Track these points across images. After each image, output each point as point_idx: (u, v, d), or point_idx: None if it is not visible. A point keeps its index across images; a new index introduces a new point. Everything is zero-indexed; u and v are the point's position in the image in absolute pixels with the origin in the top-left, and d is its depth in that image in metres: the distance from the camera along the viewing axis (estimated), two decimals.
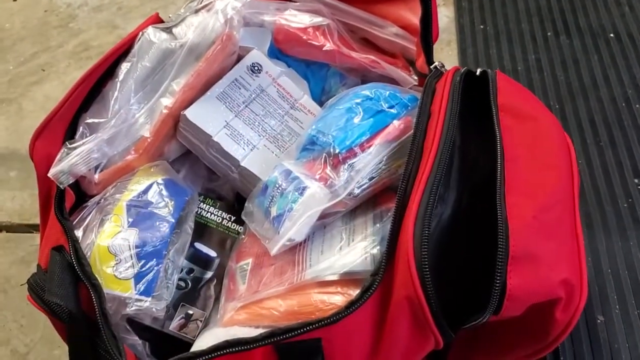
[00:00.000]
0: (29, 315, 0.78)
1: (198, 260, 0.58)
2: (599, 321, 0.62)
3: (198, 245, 0.59)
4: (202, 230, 0.61)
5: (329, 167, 0.53)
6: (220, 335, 0.50)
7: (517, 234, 0.43)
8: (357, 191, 0.53)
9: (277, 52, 0.71)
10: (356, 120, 0.55)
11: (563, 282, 0.43)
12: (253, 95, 0.66)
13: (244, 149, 0.63)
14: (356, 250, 0.51)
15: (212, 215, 0.63)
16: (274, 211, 0.53)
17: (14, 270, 0.83)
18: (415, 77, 0.67)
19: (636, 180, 0.74)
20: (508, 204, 0.45)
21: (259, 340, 0.46)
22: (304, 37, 0.68)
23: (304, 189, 0.52)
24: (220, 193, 0.69)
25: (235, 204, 0.67)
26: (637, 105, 0.82)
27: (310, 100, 0.69)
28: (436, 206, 0.47)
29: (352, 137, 0.54)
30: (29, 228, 0.89)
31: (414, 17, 0.67)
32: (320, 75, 0.72)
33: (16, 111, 1.06)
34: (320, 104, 0.69)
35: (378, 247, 0.50)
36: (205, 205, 0.64)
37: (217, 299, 0.57)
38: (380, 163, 0.54)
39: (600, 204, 0.72)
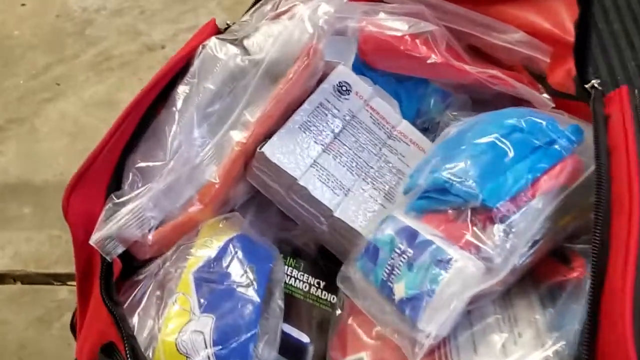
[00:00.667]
0: None
1: (288, 350, 0.44)
2: None
3: (285, 327, 0.45)
4: (288, 304, 0.46)
5: (477, 228, 0.39)
6: None
7: None
8: (519, 262, 0.39)
9: (361, 67, 0.57)
10: (507, 160, 0.41)
11: None
12: (342, 124, 0.51)
13: (336, 194, 0.48)
14: (530, 352, 0.36)
15: (297, 281, 0.49)
16: (400, 290, 0.39)
17: (31, 332, 0.69)
18: (548, 97, 0.53)
19: None
20: None
21: None
22: (402, 48, 0.53)
23: (448, 261, 0.38)
24: (297, 245, 0.54)
25: (319, 262, 0.53)
26: None
27: (410, 127, 0.54)
28: None
29: (507, 186, 0.39)
30: (49, 278, 0.74)
31: (543, 20, 0.53)
32: (416, 94, 0.58)
33: (28, 132, 0.92)
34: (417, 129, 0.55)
35: (564, 349, 0.35)
36: (286, 267, 0.49)
37: None
38: (545, 221, 0.39)
39: None
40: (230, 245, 0.44)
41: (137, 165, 0.45)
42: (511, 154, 0.41)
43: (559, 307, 0.38)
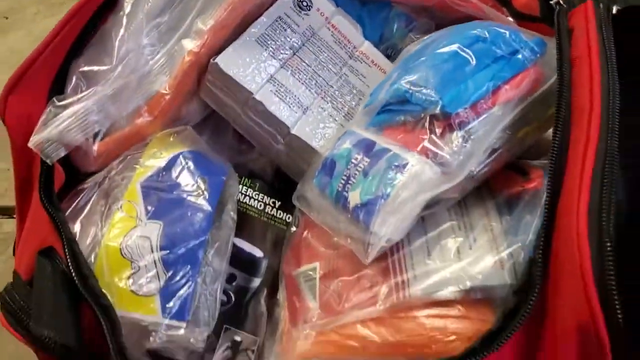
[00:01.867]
0: None
1: (240, 262, 0.43)
2: None
3: (238, 241, 0.44)
4: (239, 220, 0.45)
5: (435, 135, 0.38)
6: None
7: None
8: (476, 169, 0.38)
9: None
10: (469, 69, 0.40)
11: None
12: (302, 40, 0.50)
13: (294, 111, 0.47)
14: (484, 255, 0.36)
15: (252, 200, 0.48)
16: (355, 197, 0.38)
17: None
18: (512, 20, 0.52)
19: None
20: None
21: None
22: None
23: (404, 165, 0.37)
24: (253, 169, 0.53)
25: (275, 184, 0.52)
26: None
27: (372, 48, 0.53)
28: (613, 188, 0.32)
29: (467, 93, 0.39)
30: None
31: None
32: (379, 17, 0.56)
33: None
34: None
35: (518, 252, 0.35)
36: (241, 186, 0.48)
37: (270, 317, 0.42)
38: (504, 130, 0.39)
39: None
40: (181, 157, 0.43)
41: (81, 69, 0.42)
42: (473, 62, 0.40)
43: (515, 215, 0.38)
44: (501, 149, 0.39)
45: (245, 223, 0.46)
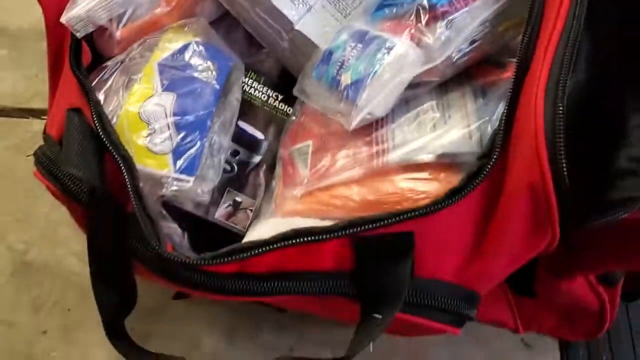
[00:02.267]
0: (25, 209, 0.68)
1: (243, 141, 0.49)
2: None
3: (242, 124, 0.49)
4: (245, 108, 0.51)
5: (421, 24, 0.42)
6: (280, 226, 0.41)
7: None
8: (456, 56, 0.43)
9: None
10: None
11: None
12: None
13: (298, 8, 0.51)
14: (455, 128, 0.41)
15: (257, 91, 0.53)
16: (347, 78, 0.43)
17: (6, 157, 0.73)
18: None
19: None
20: None
21: (335, 231, 0.37)
22: None
23: (391, 47, 0.41)
24: (260, 70, 0.58)
25: (280, 83, 0.56)
26: None
27: None
28: (570, 69, 0.37)
29: None
30: (24, 113, 0.78)
31: None
32: None
33: None
34: None
35: (486, 125, 0.40)
36: (247, 79, 0.53)
37: (267, 187, 0.48)
38: (484, 23, 0.43)
39: None
40: (193, 43, 0.47)
41: None
42: None
43: (488, 98, 0.42)
44: (481, 40, 0.44)
45: (249, 110, 0.51)
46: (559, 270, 0.46)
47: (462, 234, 0.39)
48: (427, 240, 0.38)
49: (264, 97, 0.53)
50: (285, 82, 0.56)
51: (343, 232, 0.38)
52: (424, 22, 0.43)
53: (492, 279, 0.41)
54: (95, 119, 0.41)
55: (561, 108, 0.35)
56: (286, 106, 0.54)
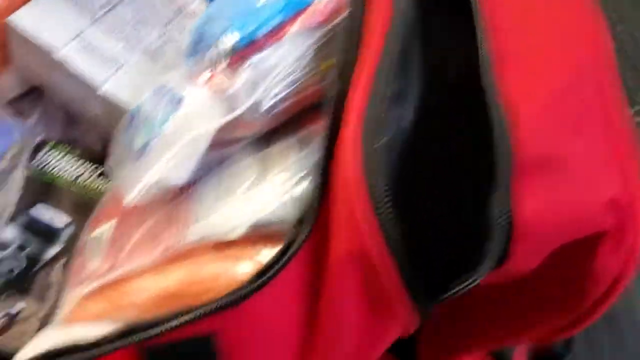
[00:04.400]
0: None
1: (36, 231, 0.40)
2: None
3: (38, 207, 0.40)
4: (48, 188, 0.42)
5: (219, 69, 0.35)
6: (57, 337, 0.32)
7: (525, 125, 0.26)
8: (267, 104, 0.35)
9: None
10: (261, 1, 0.37)
11: (612, 203, 0.26)
12: None
13: (104, 69, 0.44)
14: (271, 190, 0.33)
15: (67, 167, 0.44)
16: (138, 143, 0.35)
17: None
18: None
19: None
20: (504, 81, 0.28)
21: (111, 341, 0.28)
22: None
23: (181, 100, 0.34)
24: (85, 143, 0.50)
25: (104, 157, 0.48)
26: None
27: (204, 6, 0.51)
28: (391, 107, 0.30)
29: (255, 22, 0.36)
30: None
31: None
32: None
33: None
34: None
35: (304, 182, 0.32)
36: (55, 152, 0.45)
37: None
38: (300, 60, 0.36)
39: None
40: None
41: None
42: None
43: (311, 148, 0.35)
44: (300, 83, 0.37)
45: (52, 190, 0.42)
46: (435, 350, 0.38)
47: (285, 327, 0.30)
48: (240, 342, 0.30)
49: (79, 171, 0.45)
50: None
51: (123, 342, 0.28)
52: (224, 65, 0.35)
53: None
54: None
55: (377, 144, 0.28)
56: (107, 182, 0.46)
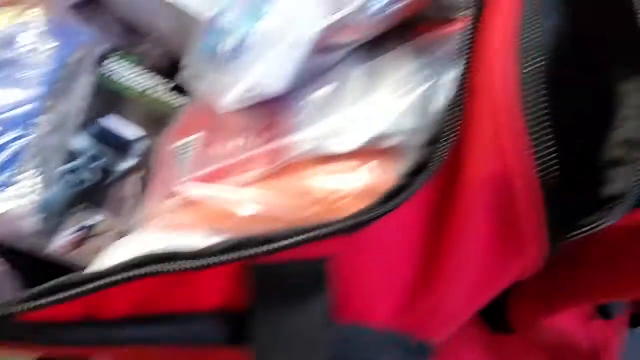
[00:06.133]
0: None
1: (109, 141, 0.36)
2: None
3: (107, 120, 0.37)
4: (119, 99, 0.39)
5: None
6: (148, 243, 0.29)
7: None
8: (377, 4, 0.31)
9: None
10: None
11: None
12: None
13: None
14: (387, 100, 0.29)
15: (135, 78, 0.41)
16: (228, 44, 0.31)
17: None
18: None
19: None
20: None
21: (215, 255, 0.25)
22: None
23: None
24: (153, 58, 0.46)
25: (172, 72, 0.45)
26: None
27: None
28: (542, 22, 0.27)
29: None
30: None
31: None
32: None
33: None
34: None
35: (431, 95, 0.29)
36: (123, 61, 0.41)
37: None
38: None
39: None
40: (32, 25, 0.35)
41: None
42: None
43: (431, 59, 0.31)
44: None
45: (122, 102, 0.39)
46: (534, 302, 0.34)
47: (403, 256, 0.27)
48: (353, 269, 0.26)
49: (146, 85, 0.41)
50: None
51: (227, 258, 0.25)
52: None
53: (449, 319, 0.29)
54: None
55: (538, 64, 0.24)
56: (179, 97, 0.42)
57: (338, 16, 0.30)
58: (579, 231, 0.27)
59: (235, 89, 0.30)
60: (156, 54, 0.46)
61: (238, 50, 0.31)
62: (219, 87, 0.31)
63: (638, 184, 0.25)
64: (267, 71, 0.30)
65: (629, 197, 0.26)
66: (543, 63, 0.26)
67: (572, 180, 0.26)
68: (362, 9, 0.31)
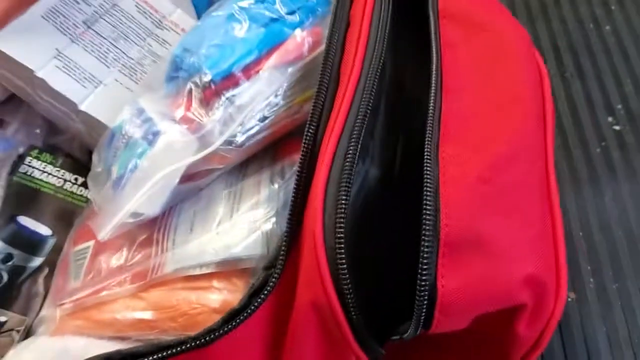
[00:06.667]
0: None
1: (20, 241, 0.42)
2: (569, 299, 0.50)
3: (21, 219, 0.42)
4: (32, 198, 0.44)
5: (195, 103, 0.37)
6: (45, 347, 0.35)
7: (454, 205, 0.29)
8: (241, 138, 0.37)
9: None
10: (239, 32, 0.39)
11: (528, 280, 0.29)
12: (99, 12, 0.48)
13: (84, 86, 0.45)
14: (242, 224, 0.35)
15: (50, 176, 0.46)
16: (115, 171, 0.37)
17: None
18: None
19: (610, 119, 0.61)
20: (442, 158, 0.30)
21: None
22: None
23: (156, 135, 0.36)
24: (68, 152, 0.51)
25: (85, 163, 0.50)
26: (607, 27, 0.68)
27: (185, 17, 0.52)
28: (358, 162, 0.31)
29: (231, 57, 0.38)
30: None
31: None
32: None
33: None
34: None
35: (274, 219, 0.35)
36: (38, 162, 0.46)
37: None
38: (276, 96, 0.38)
39: (568, 150, 0.59)
40: None
41: None
42: (245, 25, 0.39)
43: (286, 182, 0.37)
44: (274, 117, 0.38)
45: (39, 200, 0.45)
46: None
47: None
48: None
49: (60, 182, 0.47)
50: None
51: None
52: (199, 99, 0.37)
53: None
54: None
55: (343, 201, 0.29)
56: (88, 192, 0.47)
57: (205, 152, 0.36)
58: (390, 341, 0.31)
59: (114, 218, 0.35)
60: (73, 149, 0.51)
61: (121, 180, 0.36)
62: (102, 214, 0.36)
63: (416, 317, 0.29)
64: (142, 201, 0.36)
65: (412, 325, 0.29)
66: (343, 221, 0.29)
67: (372, 305, 0.31)
68: (227, 143, 0.37)
